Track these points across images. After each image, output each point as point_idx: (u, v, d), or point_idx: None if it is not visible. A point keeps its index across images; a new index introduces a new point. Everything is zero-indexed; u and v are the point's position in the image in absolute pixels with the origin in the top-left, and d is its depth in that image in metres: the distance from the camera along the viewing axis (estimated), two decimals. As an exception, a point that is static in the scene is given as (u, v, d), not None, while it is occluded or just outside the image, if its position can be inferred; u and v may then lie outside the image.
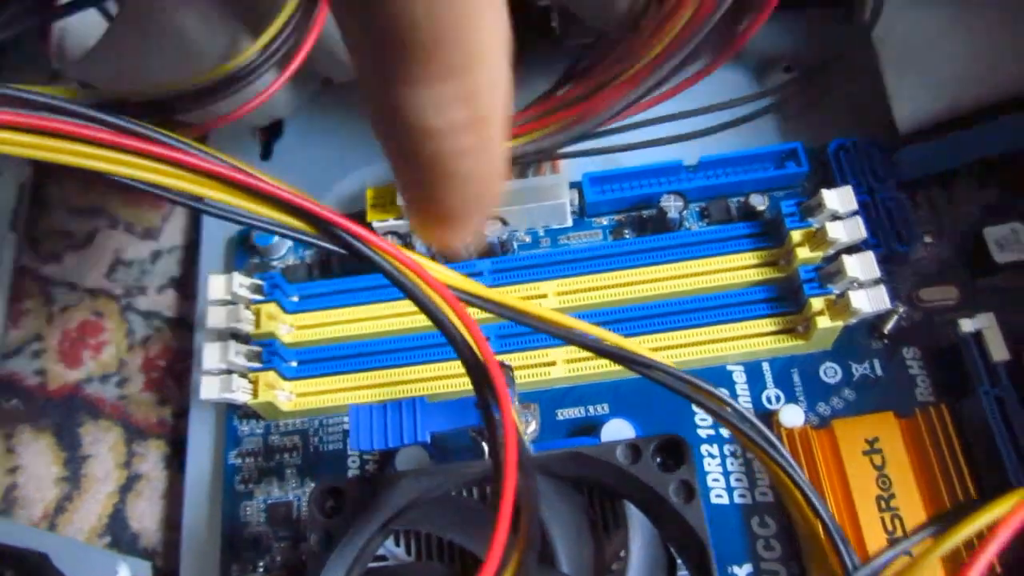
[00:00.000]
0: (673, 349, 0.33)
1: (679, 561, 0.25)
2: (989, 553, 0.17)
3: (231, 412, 0.35)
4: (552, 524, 0.24)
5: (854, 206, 0.32)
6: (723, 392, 0.23)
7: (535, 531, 0.19)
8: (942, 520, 0.18)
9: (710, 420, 0.33)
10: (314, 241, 0.21)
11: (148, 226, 0.43)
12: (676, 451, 0.24)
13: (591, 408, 0.33)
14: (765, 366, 0.33)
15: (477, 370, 0.20)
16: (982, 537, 0.18)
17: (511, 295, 0.23)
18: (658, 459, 0.25)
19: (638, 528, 0.24)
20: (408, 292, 0.20)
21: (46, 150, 0.19)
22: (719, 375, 0.33)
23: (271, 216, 0.20)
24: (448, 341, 0.20)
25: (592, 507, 0.25)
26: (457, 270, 0.34)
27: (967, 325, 0.32)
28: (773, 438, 0.22)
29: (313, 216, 0.20)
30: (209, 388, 0.32)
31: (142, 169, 0.19)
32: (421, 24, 0.15)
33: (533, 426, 0.29)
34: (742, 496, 0.31)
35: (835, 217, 0.32)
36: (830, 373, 0.33)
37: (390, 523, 0.25)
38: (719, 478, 0.32)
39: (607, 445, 0.25)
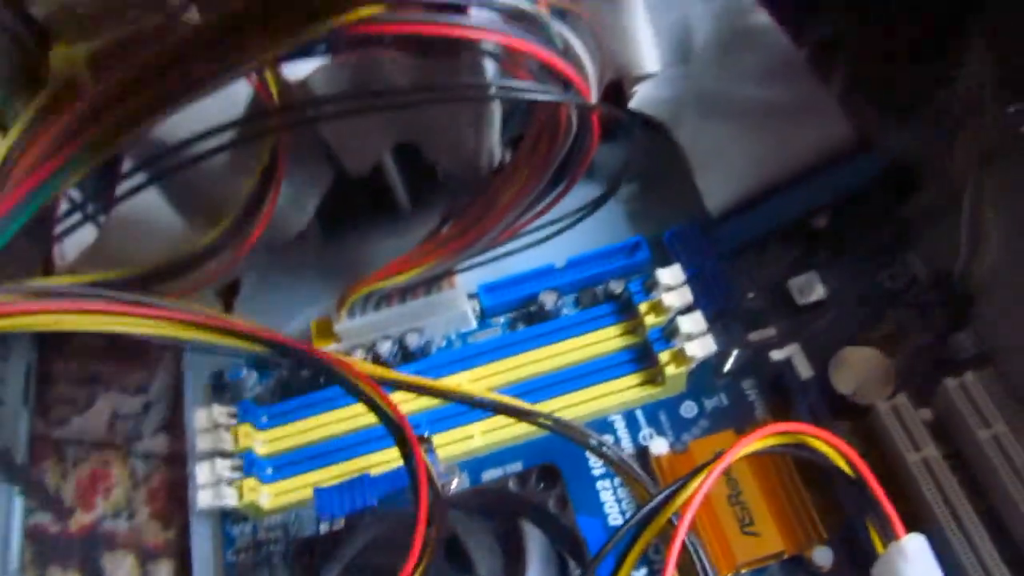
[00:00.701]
0: (566, 409, 0.42)
1: (569, 562, 0.33)
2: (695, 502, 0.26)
3: (225, 519, 0.43)
4: (471, 545, 0.32)
5: (683, 278, 0.42)
6: (581, 425, 0.32)
7: (443, 535, 0.28)
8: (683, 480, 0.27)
9: (601, 462, 0.42)
10: (278, 359, 0.30)
11: (138, 383, 0.52)
12: (551, 475, 0.33)
13: (508, 467, 0.42)
14: (638, 412, 0.43)
15: (393, 427, 0.29)
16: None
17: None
18: (541, 484, 0.33)
19: (533, 538, 0.33)
20: (341, 383, 0.30)
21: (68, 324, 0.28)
22: (603, 424, 0.42)
23: (247, 348, 0.30)
24: (371, 410, 0.29)
25: (499, 528, 0.34)
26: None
27: (777, 354, 0.41)
28: (595, 435, 0.31)
29: (277, 343, 0.30)
30: (205, 498, 0.41)
31: (149, 327, 0.28)
32: None
33: (456, 482, 0.38)
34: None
35: (669, 289, 0.42)
36: (688, 410, 0.42)
37: (355, 560, 0.33)
38: (613, 504, 0.40)
39: (502, 480, 0.33)
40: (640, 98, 0.46)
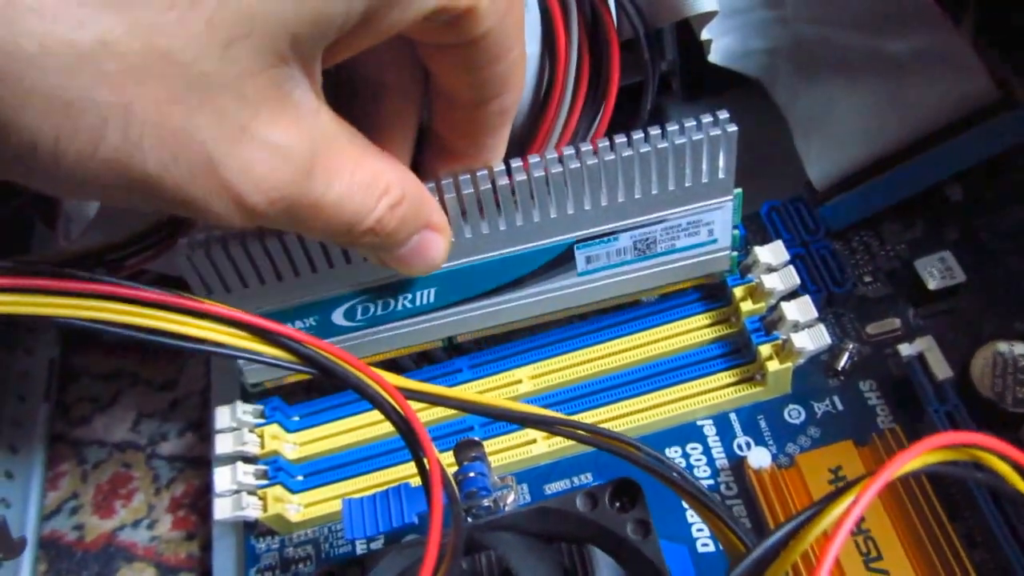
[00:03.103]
0: (643, 412, 0.35)
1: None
2: (838, 540, 0.19)
3: (248, 533, 0.38)
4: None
5: (786, 257, 0.35)
6: (634, 440, 0.26)
7: (458, 559, 0.22)
8: (823, 501, 0.20)
9: (688, 475, 0.35)
10: (291, 366, 0.24)
11: (165, 379, 0.47)
12: (629, 492, 0.27)
13: (575, 479, 0.35)
14: (732, 416, 0.36)
15: (405, 429, 0.23)
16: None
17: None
18: (616, 503, 0.27)
19: (604, 569, 0.26)
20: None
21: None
22: (690, 430, 0.36)
23: (256, 349, 0.24)
24: (377, 407, 0.23)
25: (563, 556, 0.27)
26: (438, 369, 0.37)
27: (906, 350, 0.34)
28: (665, 459, 0.24)
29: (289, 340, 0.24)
30: (223, 509, 0.35)
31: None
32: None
33: (512, 497, 0.31)
34: (726, 541, 0.33)
35: (770, 269, 0.35)
36: (794, 415, 0.35)
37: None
38: (703, 528, 0.33)
39: (567, 496, 0.27)
40: (722, 49, 0.39)
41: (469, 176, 0.29)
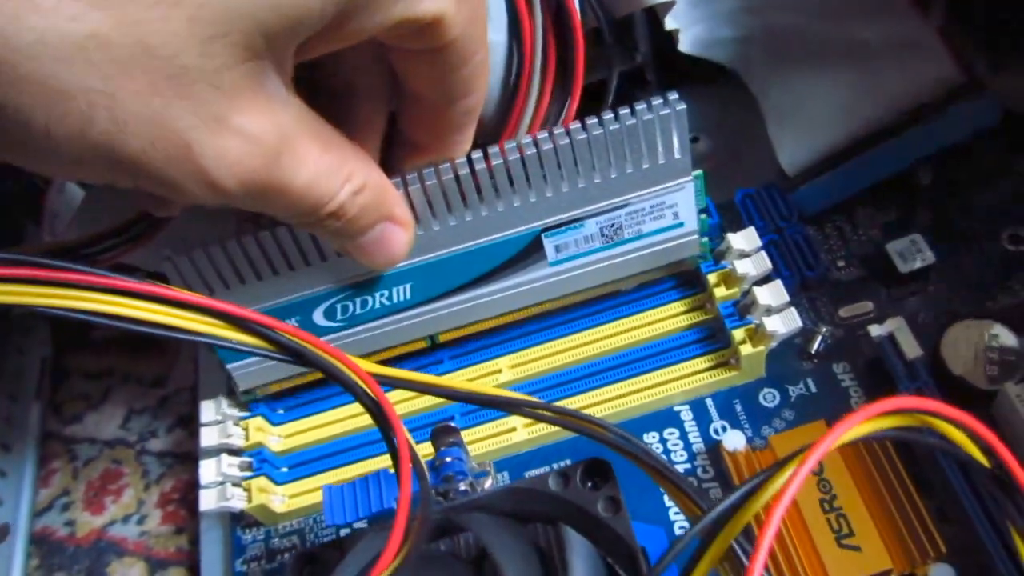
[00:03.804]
0: (621, 398, 0.36)
1: (619, 571, 0.27)
2: (788, 494, 0.19)
3: (235, 524, 0.38)
4: (501, 555, 0.27)
5: (758, 243, 0.36)
6: (609, 424, 0.26)
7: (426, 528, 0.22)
8: (774, 467, 0.21)
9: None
10: (266, 353, 0.25)
11: (155, 376, 0.47)
12: (600, 471, 0.27)
13: (555, 465, 0.36)
14: (708, 401, 0.36)
15: (375, 410, 0.24)
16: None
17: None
18: (588, 483, 0.27)
19: (578, 548, 0.27)
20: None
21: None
22: (667, 416, 0.36)
23: (232, 337, 0.25)
24: (347, 390, 0.24)
25: (538, 536, 0.28)
26: (420, 360, 0.38)
27: (877, 330, 0.34)
28: (631, 436, 0.25)
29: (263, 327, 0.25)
30: (208, 500, 0.36)
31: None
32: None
33: (489, 481, 0.32)
34: (703, 523, 0.33)
35: (743, 255, 0.36)
36: (769, 398, 0.36)
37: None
38: (679, 510, 0.34)
39: (540, 477, 0.27)
40: (691, 39, 0.40)
41: (433, 169, 0.30)
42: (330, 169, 0.24)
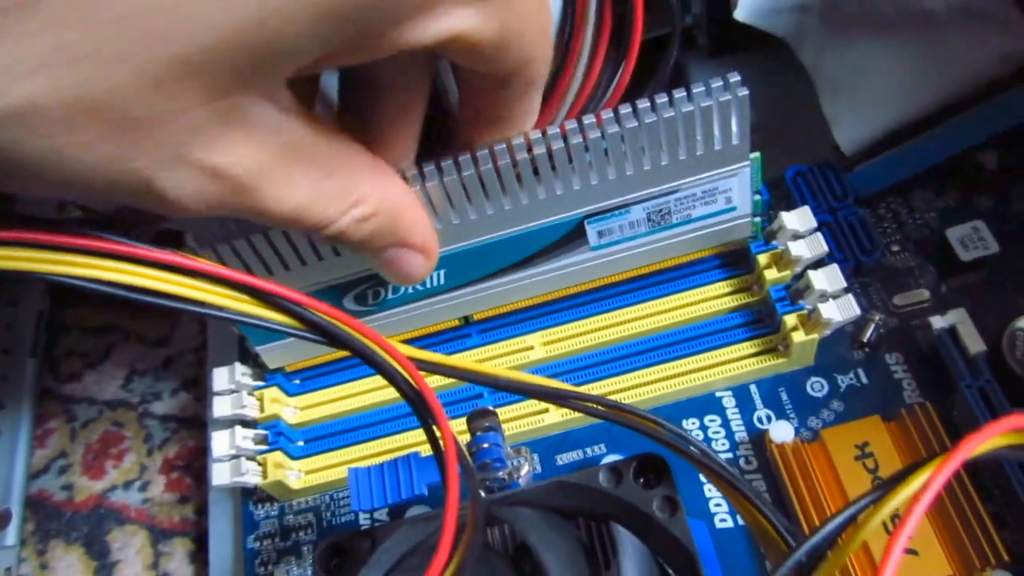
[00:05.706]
0: (660, 382, 0.34)
1: (670, 573, 0.25)
2: (915, 515, 0.17)
3: (246, 499, 0.36)
4: (545, 553, 0.25)
5: (813, 224, 0.33)
6: (647, 412, 0.24)
7: (479, 534, 0.20)
8: (884, 486, 0.19)
9: (705, 447, 0.33)
10: (296, 333, 0.23)
11: (159, 335, 0.45)
12: (655, 468, 0.25)
13: (588, 450, 0.34)
14: (753, 388, 0.34)
15: (416, 400, 0.22)
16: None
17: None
18: (640, 479, 0.25)
19: (629, 548, 0.25)
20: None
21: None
22: (708, 402, 0.34)
23: (259, 314, 0.23)
24: (385, 377, 0.22)
25: (586, 534, 0.26)
26: (446, 334, 0.36)
27: (938, 322, 0.32)
28: (690, 437, 0.23)
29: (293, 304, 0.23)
30: (220, 474, 0.34)
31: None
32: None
33: (526, 468, 0.30)
34: (745, 517, 0.32)
35: (796, 236, 0.34)
36: (817, 387, 0.34)
37: (392, 572, 0.25)
38: (720, 503, 0.32)
39: (589, 471, 0.26)
40: (748, 6, 0.37)
41: (469, 156, 0.28)
42: (331, 195, 0.23)
